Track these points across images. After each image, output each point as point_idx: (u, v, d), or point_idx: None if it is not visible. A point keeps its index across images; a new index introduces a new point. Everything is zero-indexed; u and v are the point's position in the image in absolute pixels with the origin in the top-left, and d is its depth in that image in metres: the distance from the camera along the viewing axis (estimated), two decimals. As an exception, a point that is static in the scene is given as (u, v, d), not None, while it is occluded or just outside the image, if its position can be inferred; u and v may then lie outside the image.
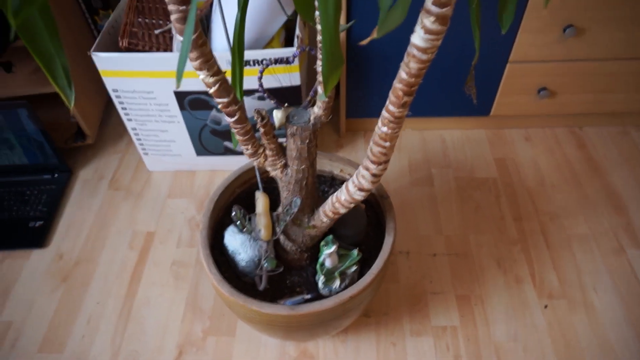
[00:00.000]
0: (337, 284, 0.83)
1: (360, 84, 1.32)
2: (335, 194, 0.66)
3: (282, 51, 0.99)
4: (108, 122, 1.55)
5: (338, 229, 0.84)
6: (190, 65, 1.06)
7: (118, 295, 1.12)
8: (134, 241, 1.23)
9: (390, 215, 0.87)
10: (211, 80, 0.56)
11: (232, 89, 0.58)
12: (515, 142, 1.44)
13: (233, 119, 0.60)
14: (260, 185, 0.84)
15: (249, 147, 0.64)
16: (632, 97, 1.34)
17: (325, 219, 0.70)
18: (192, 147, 1.29)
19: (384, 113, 0.51)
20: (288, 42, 1.20)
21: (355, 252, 0.84)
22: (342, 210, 0.66)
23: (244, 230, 0.73)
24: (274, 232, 0.78)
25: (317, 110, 0.61)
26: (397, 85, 0.47)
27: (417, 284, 1.12)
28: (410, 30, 1.21)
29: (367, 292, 0.80)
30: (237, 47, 0.58)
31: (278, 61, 0.84)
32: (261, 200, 0.77)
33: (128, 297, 1.12)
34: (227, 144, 1.28)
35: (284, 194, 0.74)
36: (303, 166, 0.67)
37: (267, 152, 0.66)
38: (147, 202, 1.32)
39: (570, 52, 1.23)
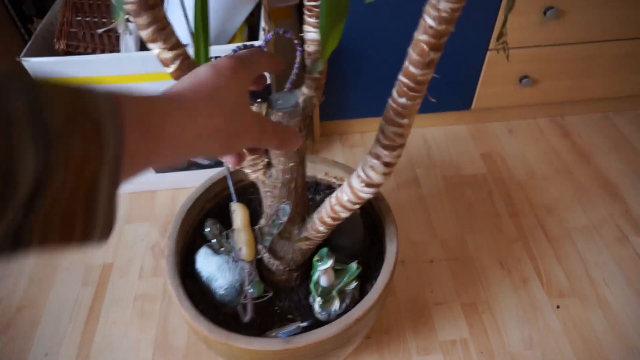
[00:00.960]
0: (336, 305, 0.70)
1: (334, 82, 1.21)
2: (333, 195, 0.53)
3: (250, 43, 0.87)
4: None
5: (332, 240, 0.72)
6: (141, 66, 0.92)
7: (72, 342, 0.94)
8: (88, 277, 1.05)
9: (389, 219, 0.76)
10: (169, 55, 0.43)
11: (196, 66, 0.45)
12: (499, 135, 1.37)
13: (201, 108, 0.46)
14: (233, 195, 0.71)
15: (223, 144, 0.51)
16: (611, 81, 1.30)
17: (321, 228, 0.58)
18: (150, 164, 1.14)
19: (401, 79, 0.39)
20: (252, 40, 1.08)
21: (354, 265, 0.71)
22: (344, 214, 0.53)
23: (222, 249, 0.59)
24: (257, 250, 0.65)
25: (306, 90, 0.49)
26: (421, 37, 0.35)
27: (418, 295, 1.00)
28: (388, 27, 1.12)
29: (374, 311, 0.67)
30: (200, 12, 0.45)
31: (246, 48, 0.72)
32: (239, 212, 0.64)
33: (84, 343, 0.94)
34: (190, 156, 1.13)
35: (267, 202, 0.60)
36: (291, 164, 0.54)
37: (245, 148, 0.53)
38: (101, 230, 1.14)
39: (552, 35, 1.17)
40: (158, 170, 1.16)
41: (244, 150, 0.54)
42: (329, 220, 0.55)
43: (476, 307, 0.98)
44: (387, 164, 0.45)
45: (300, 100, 0.50)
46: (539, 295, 1.00)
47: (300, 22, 1.26)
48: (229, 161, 0.38)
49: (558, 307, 0.98)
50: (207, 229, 0.56)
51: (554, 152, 1.31)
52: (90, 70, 0.91)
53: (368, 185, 0.48)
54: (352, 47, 1.14)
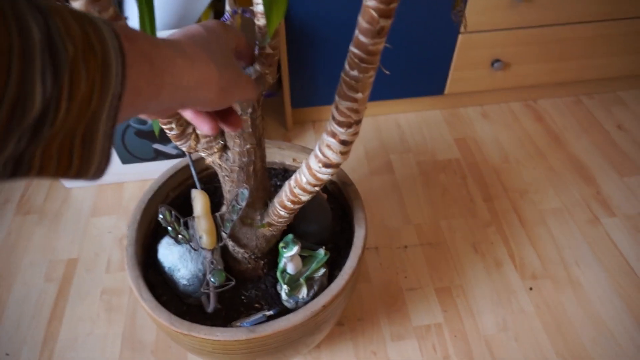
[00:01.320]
0: (304, 292, 0.68)
1: (303, 68, 1.19)
2: (292, 177, 0.51)
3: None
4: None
5: (298, 226, 0.70)
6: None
7: (34, 340, 0.91)
8: (52, 272, 1.01)
9: (357, 203, 0.74)
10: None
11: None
12: (473, 120, 1.36)
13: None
14: (197, 182, 0.68)
15: (174, 125, 0.48)
16: (582, 64, 1.30)
17: (282, 212, 0.56)
18: (115, 154, 1.10)
19: (351, 49, 0.37)
20: (218, 23, 1.05)
21: (322, 251, 0.70)
22: (304, 197, 0.51)
23: (179, 238, 0.57)
24: (219, 238, 0.63)
25: (258, 67, 0.47)
26: (369, 3, 0.33)
27: (391, 281, 0.99)
28: (351, 10, 1.09)
29: (342, 297, 0.66)
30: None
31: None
32: (199, 199, 0.61)
33: (48, 341, 0.91)
34: (157, 146, 1.10)
35: (226, 187, 0.58)
36: (248, 146, 0.52)
37: (199, 130, 0.50)
38: (66, 224, 1.11)
39: (522, 18, 1.16)
40: (125, 161, 1.12)
41: (198, 131, 0.51)
42: (289, 204, 0.53)
43: (450, 292, 0.98)
44: (343, 142, 0.43)
45: (253, 77, 0.47)
46: (512, 278, 1.00)
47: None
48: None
49: (531, 289, 0.98)
50: (160, 216, 0.54)
51: (527, 136, 1.31)
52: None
53: (326, 165, 0.46)
54: (323, 32, 1.12)
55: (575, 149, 1.27)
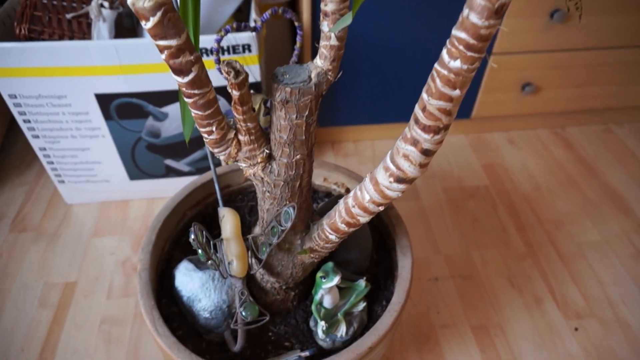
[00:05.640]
0: (342, 329, 0.59)
1: (327, 84, 1.12)
2: (349, 195, 0.43)
3: (244, 23, 0.77)
4: (12, 146, 1.23)
5: (338, 252, 0.61)
6: (115, 56, 0.81)
7: (23, 375, 0.80)
8: (47, 297, 0.91)
9: (400, 229, 0.66)
10: (149, 4, 0.32)
11: (182, 24, 0.35)
12: (500, 146, 1.30)
13: (187, 79, 0.36)
14: (220, 199, 0.60)
15: (214, 128, 0.40)
16: (614, 91, 1.25)
17: (332, 236, 0.47)
18: (123, 170, 1.02)
19: (456, 34, 0.30)
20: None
21: (362, 282, 0.61)
22: (363, 219, 0.43)
23: (209, 263, 0.48)
24: (249, 265, 0.54)
25: (320, 62, 0.39)
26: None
27: (423, 317, 0.90)
28: (387, 29, 1.04)
29: (389, 337, 0.57)
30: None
31: (239, 30, 0.62)
32: (229, 218, 0.53)
33: (38, 377, 0.80)
34: (169, 162, 1.02)
35: (265, 205, 0.50)
36: (298, 156, 0.44)
37: (242, 136, 0.42)
38: (64, 244, 1.01)
39: (557, 41, 1.11)
40: (132, 177, 1.04)
41: (240, 137, 0.44)
42: (342, 227, 0.45)
43: (488, 331, 0.88)
44: (425, 152, 0.36)
45: (313, 74, 0.40)
46: (555, 317, 0.91)
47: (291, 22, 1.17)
48: None
49: (576, 329, 0.89)
50: (192, 237, 0.45)
51: (558, 164, 1.24)
52: (57, 59, 0.80)
53: (399, 180, 0.38)
54: (348, 50, 1.06)
55: (610, 179, 1.20)
